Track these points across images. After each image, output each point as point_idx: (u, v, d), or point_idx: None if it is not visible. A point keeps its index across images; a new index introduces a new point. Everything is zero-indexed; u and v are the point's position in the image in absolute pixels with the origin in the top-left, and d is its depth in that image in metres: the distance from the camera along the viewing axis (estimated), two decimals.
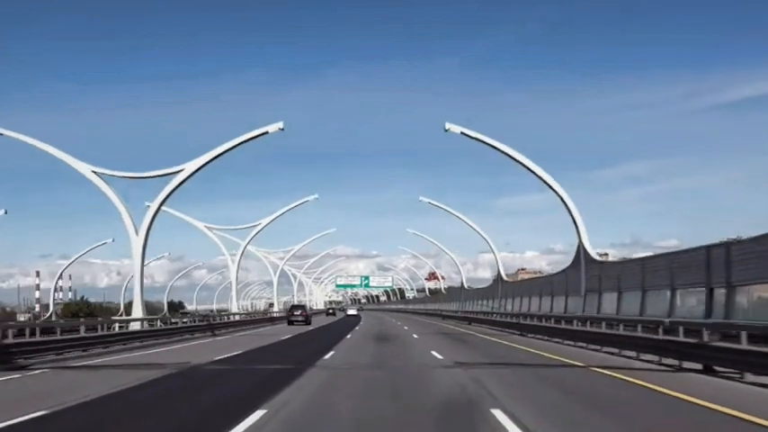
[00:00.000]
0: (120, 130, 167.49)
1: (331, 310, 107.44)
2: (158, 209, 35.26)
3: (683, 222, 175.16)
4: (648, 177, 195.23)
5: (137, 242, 34.98)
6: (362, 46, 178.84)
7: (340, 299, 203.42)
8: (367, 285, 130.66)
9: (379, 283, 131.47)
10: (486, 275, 57.81)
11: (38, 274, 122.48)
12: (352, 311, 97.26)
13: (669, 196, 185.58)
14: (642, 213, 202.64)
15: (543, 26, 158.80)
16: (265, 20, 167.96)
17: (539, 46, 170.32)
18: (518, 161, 36.22)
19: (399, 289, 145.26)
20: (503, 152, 36.24)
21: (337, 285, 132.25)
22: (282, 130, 34.84)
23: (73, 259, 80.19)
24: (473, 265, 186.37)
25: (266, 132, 34.87)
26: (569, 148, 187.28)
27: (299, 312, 55.42)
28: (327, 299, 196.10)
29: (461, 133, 35.89)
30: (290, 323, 52.46)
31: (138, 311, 35.30)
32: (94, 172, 34.71)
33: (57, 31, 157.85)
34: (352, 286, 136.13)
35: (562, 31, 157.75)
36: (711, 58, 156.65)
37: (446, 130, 35.83)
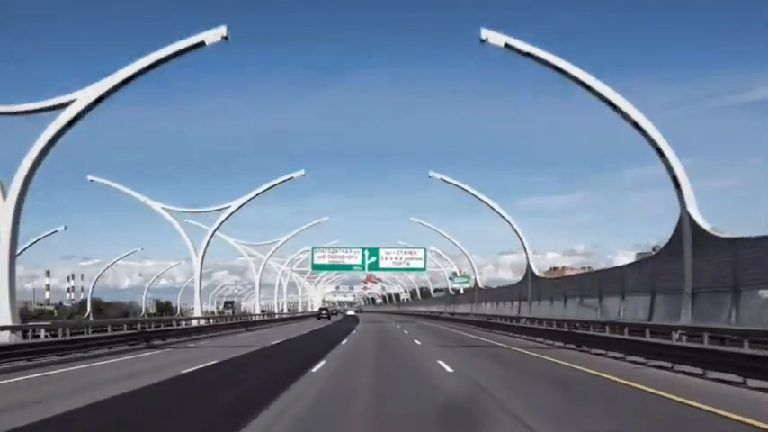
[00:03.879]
0: None
1: (324, 313, 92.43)
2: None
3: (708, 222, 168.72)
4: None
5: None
6: (375, 50, 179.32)
7: (350, 299, 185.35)
8: (374, 266, 66.48)
9: (398, 261, 64.64)
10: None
11: (48, 273, 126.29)
12: (351, 312, 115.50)
13: (696, 196, 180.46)
14: (664, 215, 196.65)
15: (562, 27, 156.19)
16: (277, 24, 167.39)
17: (560, 45, 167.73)
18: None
19: (426, 289, 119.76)
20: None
21: (313, 267, 69.13)
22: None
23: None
24: (494, 266, 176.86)
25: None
26: (591, 148, 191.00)
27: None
28: (334, 299, 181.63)
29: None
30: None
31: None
32: None
33: None
34: (345, 267, 68.65)
35: (583, 32, 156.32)
36: (736, 59, 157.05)
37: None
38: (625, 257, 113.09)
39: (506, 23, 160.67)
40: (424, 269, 68.29)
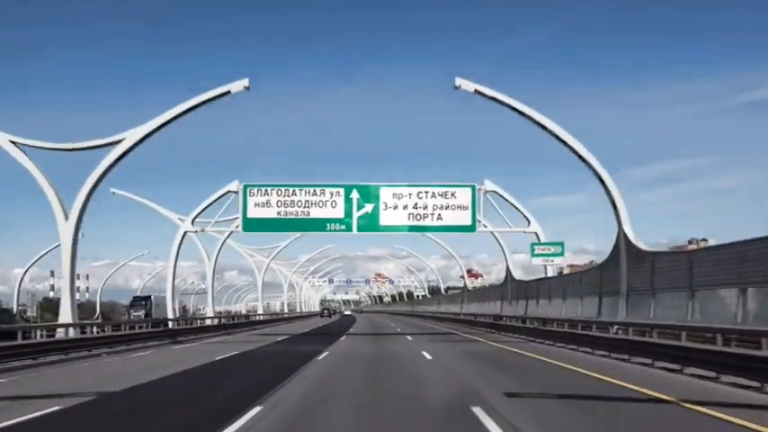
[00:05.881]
0: None
1: (326, 312, 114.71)
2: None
3: (716, 223, 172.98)
4: (680, 176, 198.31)
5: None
6: (387, 48, 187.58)
7: (354, 297, 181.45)
8: (370, 222, 33.69)
9: (419, 213, 33.44)
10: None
11: (52, 273, 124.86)
12: (347, 312, 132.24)
13: (700, 196, 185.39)
14: (674, 213, 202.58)
15: (573, 25, 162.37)
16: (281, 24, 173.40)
17: (571, 44, 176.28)
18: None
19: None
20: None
21: (246, 225, 34.21)
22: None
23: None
24: (504, 266, 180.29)
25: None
26: (599, 146, 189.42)
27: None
28: (335, 297, 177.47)
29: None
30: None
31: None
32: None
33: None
34: (311, 225, 34.43)
35: (591, 30, 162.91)
36: (746, 56, 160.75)
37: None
38: None
39: (517, 22, 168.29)
40: (471, 227, 34.59)
